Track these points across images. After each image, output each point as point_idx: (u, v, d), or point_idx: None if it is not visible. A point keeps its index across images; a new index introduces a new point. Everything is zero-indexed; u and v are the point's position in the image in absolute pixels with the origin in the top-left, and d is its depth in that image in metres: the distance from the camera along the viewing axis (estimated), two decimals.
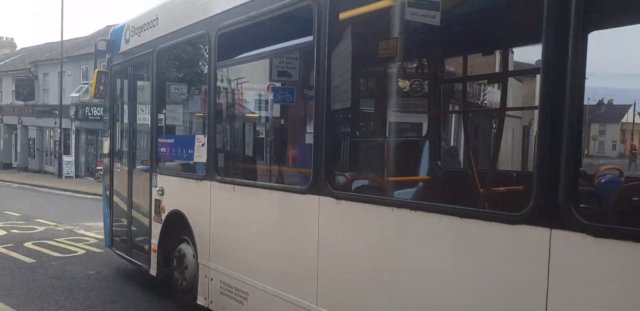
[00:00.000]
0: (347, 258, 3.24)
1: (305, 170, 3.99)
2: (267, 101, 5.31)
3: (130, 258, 6.35)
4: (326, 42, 3.31)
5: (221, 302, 4.55)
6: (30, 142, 32.38)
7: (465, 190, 3.85)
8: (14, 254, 7.78)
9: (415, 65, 4.78)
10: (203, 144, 4.79)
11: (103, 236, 7.83)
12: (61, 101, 26.52)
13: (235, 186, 4.38)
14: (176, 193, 5.36)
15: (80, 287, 6.13)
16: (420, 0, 3.25)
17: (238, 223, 4.45)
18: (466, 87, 4.54)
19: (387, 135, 4.79)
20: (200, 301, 4.86)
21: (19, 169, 32.26)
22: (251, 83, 5.21)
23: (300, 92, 4.82)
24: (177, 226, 5.30)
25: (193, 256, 5.02)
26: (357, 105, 4.65)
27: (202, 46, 4.87)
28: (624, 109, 16.12)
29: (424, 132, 4.89)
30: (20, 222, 11.02)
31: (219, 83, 4.81)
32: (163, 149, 5.58)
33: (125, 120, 6.66)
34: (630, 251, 1.88)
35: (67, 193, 18.78)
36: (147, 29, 5.90)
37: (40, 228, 10.21)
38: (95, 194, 17.92)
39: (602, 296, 1.99)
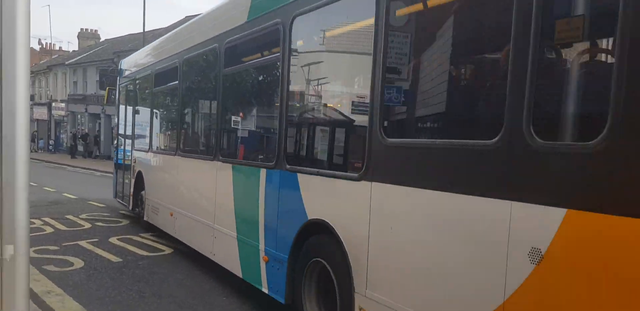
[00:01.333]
0: (183, 185, 7.16)
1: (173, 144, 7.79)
2: (159, 109, 8.91)
3: (122, 202, 10.49)
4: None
5: (150, 216, 8.53)
6: (113, 131, 33.15)
7: None
8: (99, 251, 7.31)
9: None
10: (149, 132, 8.91)
11: None
12: None
13: (155, 153, 8.54)
14: (139, 160, 9.35)
15: (170, 295, 5.48)
16: None
17: (155, 174, 8.57)
18: None
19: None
20: (145, 218, 8.80)
21: (102, 157, 33.13)
22: (170, 101, 8.37)
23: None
24: (140, 181, 9.10)
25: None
26: None
27: (149, 80, 8.84)
28: None
29: None
30: (105, 213, 10.72)
31: (157, 100, 8.86)
32: (136, 136, 9.72)
33: (125, 117, 10.48)
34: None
35: None
36: (133, 66, 10.22)
37: (125, 221, 9.82)
38: None
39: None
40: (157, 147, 8.62)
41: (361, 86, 3.90)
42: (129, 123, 10.04)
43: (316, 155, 4.37)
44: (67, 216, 10.18)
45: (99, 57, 35.16)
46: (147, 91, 9.17)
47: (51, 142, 41.24)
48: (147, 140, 8.92)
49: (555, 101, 2.49)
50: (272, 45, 4.79)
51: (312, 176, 4.05)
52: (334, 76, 4.43)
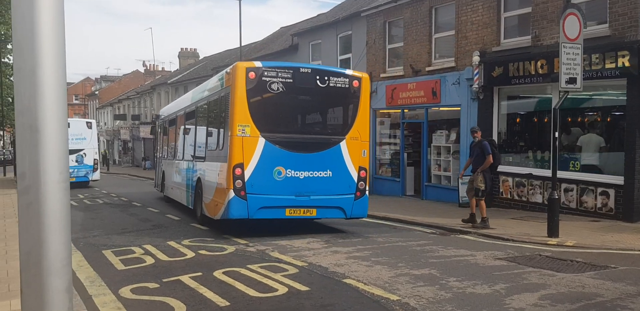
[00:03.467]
0: (176, 172, 15.56)
1: (172, 154, 16.81)
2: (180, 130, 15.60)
3: (158, 190, 18.18)
4: None
5: (165, 191, 16.81)
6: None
7: None
8: (203, 290, 6.22)
9: None
10: (166, 149, 17.79)
11: (303, 263, 7.40)
12: None
13: (168, 160, 16.76)
14: (163, 164, 17.68)
15: None
16: None
17: (167, 169, 16.75)
18: None
19: None
20: (164, 194, 16.99)
21: None
22: (173, 133, 16.84)
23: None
24: (163, 175, 17.24)
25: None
26: None
27: (167, 122, 17.95)
28: None
29: None
30: (208, 239, 9.78)
31: (168, 133, 17.53)
32: (163, 152, 18.24)
33: (160, 142, 19.12)
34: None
35: None
36: (164, 113, 18.78)
37: (230, 248, 8.78)
38: None
39: None
40: (167, 156, 17.11)
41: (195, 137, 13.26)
42: (159, 144, 19.33)
43: (198, 155, 12.33)
44: (169, 243, 9.33)
45: (199, 75, 35.62)
46: (165, 128, 18.01)
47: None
48: (165, 153, 17.59)
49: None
50: (192, 115, 13.67)
51: (198, 162, 12.18)
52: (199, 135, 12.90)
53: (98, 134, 24.41)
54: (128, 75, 69.24)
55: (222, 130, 10.44)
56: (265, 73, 9.66)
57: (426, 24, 15.94)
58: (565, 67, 9.08)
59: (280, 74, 9.71)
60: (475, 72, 13.87)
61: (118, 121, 53.26)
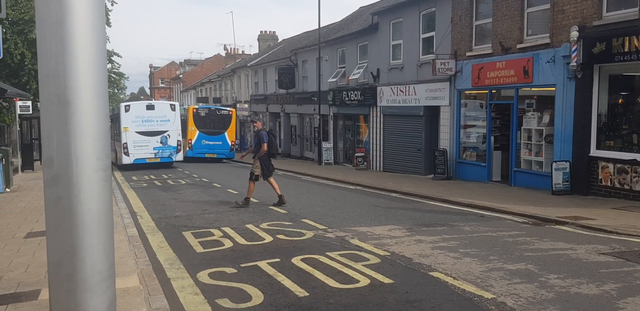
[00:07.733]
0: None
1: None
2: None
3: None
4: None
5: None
6: (292, 129, 33.29)
7: None
8: (281, 278, 5.96)
9: None
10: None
11: (385, 252, 6.95)
12: (319, 87, 26.10)
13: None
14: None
15: None
16: None
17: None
18: None
19: None
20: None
21: (282, 155, 33.49)
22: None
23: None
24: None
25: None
26: None
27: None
28: None
29: None
30: (287, 223, 9.56)
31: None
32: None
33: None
34: None
35: (329, 182, 17.68)
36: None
37: (308, 234, 8.50)
38: (359, 185, 16.38)
39: None
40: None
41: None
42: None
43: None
44: (247, 226, 9.20)
45: (277, 57, 35.63)
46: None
47: (237, 142, 43.18)
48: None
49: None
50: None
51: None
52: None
53: (182, 116, 27.48)
54: (210, 59, 70.83)
55: (185, 127, 26.67)
56: (200, 110, 29.04)
57: None
58: None
59: (204, 110, 29.15)
60: (573, 48, 12.71)
61: (200, 104, 54.67)
